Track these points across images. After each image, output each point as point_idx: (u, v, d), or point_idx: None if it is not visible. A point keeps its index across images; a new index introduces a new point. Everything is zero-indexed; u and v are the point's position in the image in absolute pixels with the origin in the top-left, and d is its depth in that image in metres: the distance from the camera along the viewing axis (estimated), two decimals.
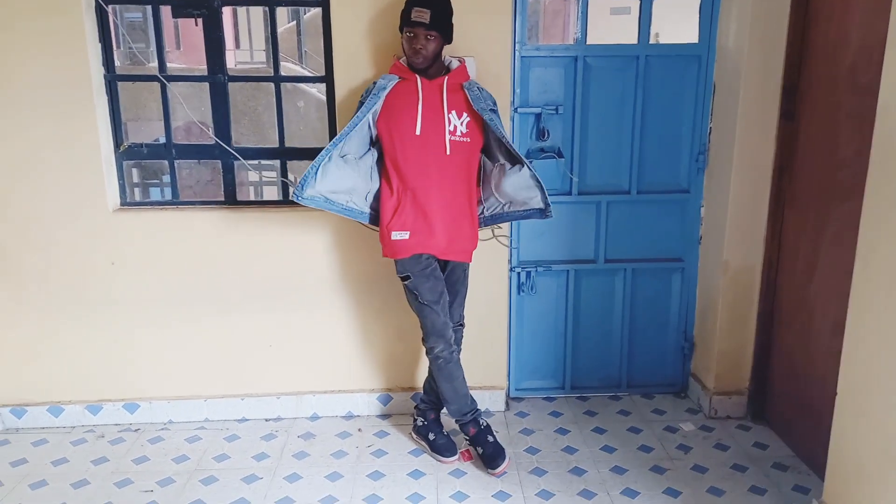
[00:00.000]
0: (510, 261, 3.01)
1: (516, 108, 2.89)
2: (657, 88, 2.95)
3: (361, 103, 2.52)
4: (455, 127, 2.48)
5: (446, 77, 2.49)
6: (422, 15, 2.37)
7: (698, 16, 2.90)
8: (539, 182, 2.47)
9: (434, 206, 2.48)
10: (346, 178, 2.46)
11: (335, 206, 2.49)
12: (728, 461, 2.69)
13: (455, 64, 2.55)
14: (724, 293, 2.91)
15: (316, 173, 2.38)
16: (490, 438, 2.69)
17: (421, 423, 2.83)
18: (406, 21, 2.42)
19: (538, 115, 2.92)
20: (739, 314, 2.93)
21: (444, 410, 2.77)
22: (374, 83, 2.51)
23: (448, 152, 2.47)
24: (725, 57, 2.85)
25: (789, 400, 2.78)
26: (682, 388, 3.25)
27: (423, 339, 2.65)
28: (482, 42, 2.72)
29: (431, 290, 2.55)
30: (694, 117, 2.98)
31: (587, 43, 2.89)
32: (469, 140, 2.51)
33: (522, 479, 2.59)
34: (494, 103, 2.59)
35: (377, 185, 2.56)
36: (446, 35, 2.47)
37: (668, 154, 3.02)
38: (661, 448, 2.79)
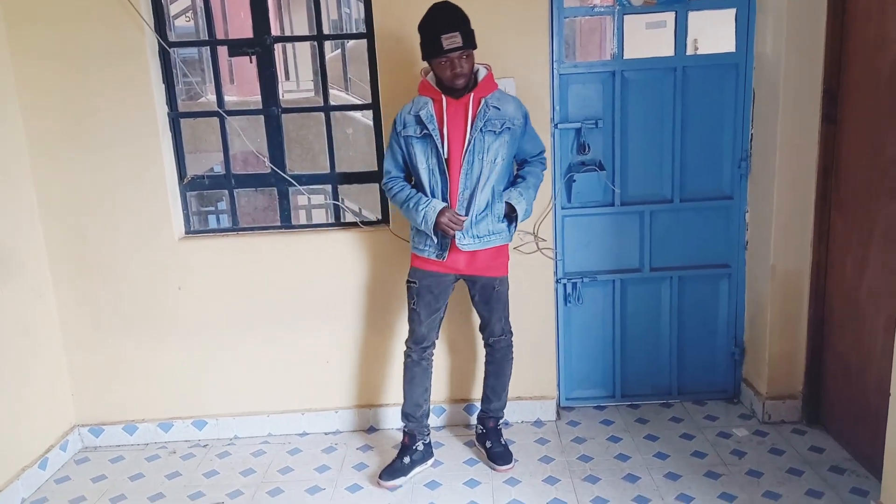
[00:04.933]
0: (556, 273, 3.07)
1: (556, 124, 2.97)
2: (696, 98, 2.99)
3: (401, 129, 2.51)
4: None
5: (472, 94, 2.45)
6: (454, 40, 2.31)
7: (734, 24, 2.94)
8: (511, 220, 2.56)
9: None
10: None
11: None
12: (784, 465, 2.68)
13: (482, 73, 2.49)
14: (772, 297, 2.91)
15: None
16: (414, 467, 2.75)
17: (480, 431, 2.90)
18: (437, 51, 2.35)
19: (578, 130, 2.99)
20: (790, 318, 2.92)
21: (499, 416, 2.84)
22: (410, 110, 2.50)
23: None
24: (763, 64, 2.87)
25: (845, 402, 2.76)
26: (733, 394, 3.24)
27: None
28: (521, 63, 2.81)
29: (427, 305, 2.64)
30: (734, 124, 3.00)
31: (624, 57, 2.96)
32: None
33: (576, 487, 2.63)
34: (523, 115, 2.54)
35: None
36: (475, 45, 2.42)
37: (710, 162, 3.05)
38: (715, 454, 2.80)
